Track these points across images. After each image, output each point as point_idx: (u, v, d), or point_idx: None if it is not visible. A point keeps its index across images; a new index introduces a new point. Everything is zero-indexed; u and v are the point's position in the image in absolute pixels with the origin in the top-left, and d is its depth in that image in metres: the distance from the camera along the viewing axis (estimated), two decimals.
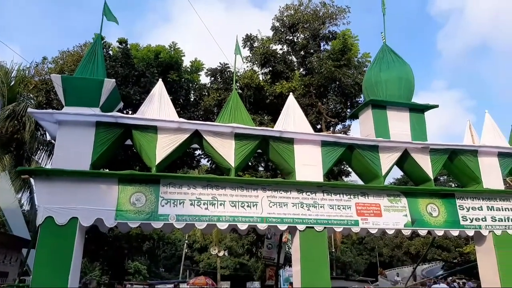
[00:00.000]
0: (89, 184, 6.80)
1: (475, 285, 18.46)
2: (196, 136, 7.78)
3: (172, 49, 14.79)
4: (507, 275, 8.33)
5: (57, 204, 6.54)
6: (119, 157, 13.52)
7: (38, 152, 14.82)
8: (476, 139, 9.33)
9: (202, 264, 41.86)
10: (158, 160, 7.30)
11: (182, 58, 14.99)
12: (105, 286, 23.75)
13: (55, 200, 6.57)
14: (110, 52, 14.76)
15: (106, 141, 7.19)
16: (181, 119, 7.64)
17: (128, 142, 8.05)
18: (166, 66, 14.49)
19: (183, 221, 7.06)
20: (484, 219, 8.74)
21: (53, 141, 11.68)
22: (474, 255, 9.37)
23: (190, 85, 15.71)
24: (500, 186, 9.15)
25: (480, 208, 8.82)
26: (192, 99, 16.16)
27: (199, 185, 7.35)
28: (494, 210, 8.90)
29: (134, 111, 8.86)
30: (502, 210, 8.96)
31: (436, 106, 9.40)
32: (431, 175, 8.74)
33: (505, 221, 8.87)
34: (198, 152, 15.81)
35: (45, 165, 14.24)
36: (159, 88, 7.96)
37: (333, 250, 35.33)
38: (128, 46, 14.67)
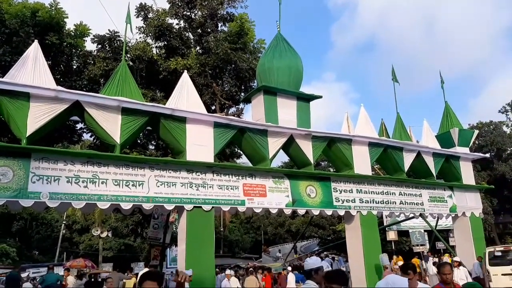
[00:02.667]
0: None
1: (344, 259, 20.74)
2: (77, 108, 7.10)
3: (53, 8, 13.12)
4: (369, 249, 9.53)
5: None
6: None
7: None
8: (351, 129, 10.31)
9: (82, 246, 39.35)
10: (29, 132, 6.49)
11: (65, 20, 13.38)
12: None
13: None
14: None
15: None
16: (59, 87, 6.86)
17: None
18: (45, 27, 12.80)
19: (58, 200, 6.46)
20: (353, 201, 9.79)
21: None
22: (345, 233, 10.47)
23: (73, 50, 14.15)
24: (368, 172, 10.31)
25: (350, 191, 9.85)
26: (74, 67, 14.64)
27: (78, 161, 6.77)
28: (362, 193, 10.03)
29: (3, 74, 7.70)
30: (369, 193, 10.15)
31: (320, 97, 10.12)
32: (311, 159, 9.44)
33: (370, 202, 10.06)
34: (80, 125, 14.54)
35: None
36: (34, 50, 7.01)
37: (222, 229, 36.21)
38: None
